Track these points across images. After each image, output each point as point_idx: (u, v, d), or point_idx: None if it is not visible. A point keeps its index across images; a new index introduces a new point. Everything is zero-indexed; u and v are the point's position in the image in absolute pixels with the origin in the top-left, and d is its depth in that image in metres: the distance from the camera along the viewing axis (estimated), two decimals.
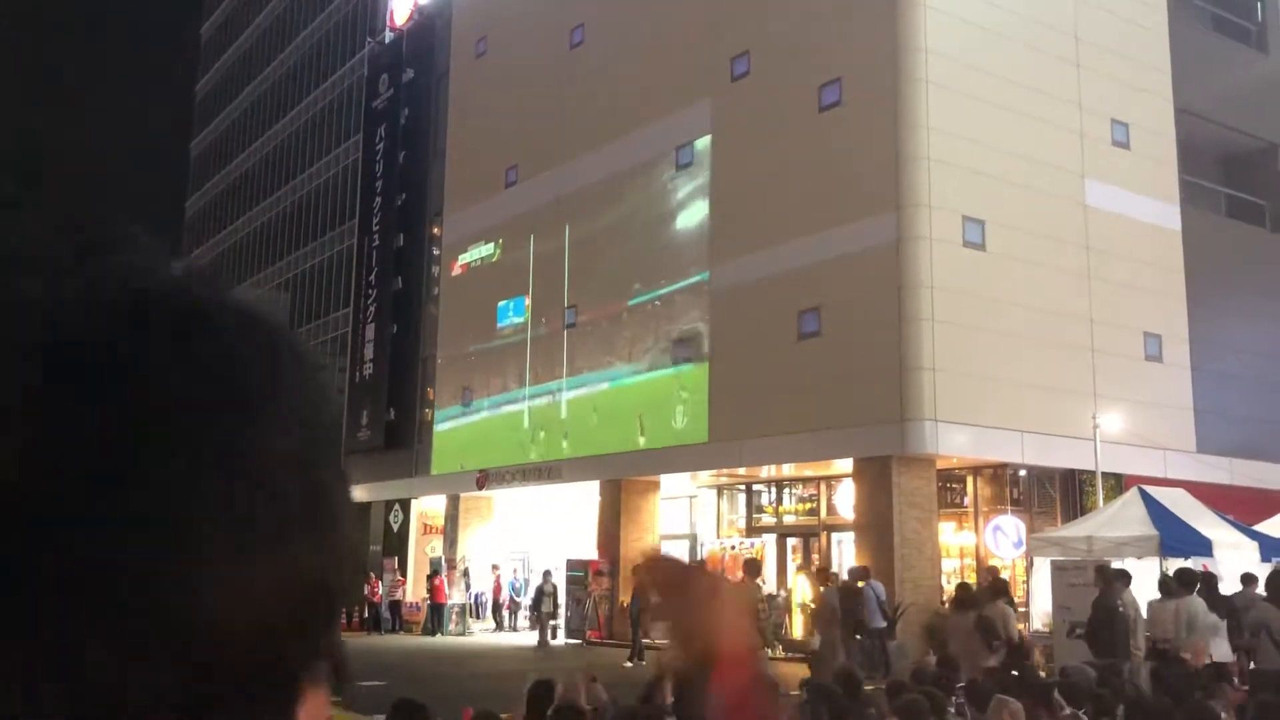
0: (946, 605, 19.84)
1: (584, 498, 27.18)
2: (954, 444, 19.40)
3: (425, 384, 34.24)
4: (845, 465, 21.38)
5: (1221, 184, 26.05)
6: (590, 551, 26.06)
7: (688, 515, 27.09)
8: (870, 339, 19.82)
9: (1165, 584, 12.36)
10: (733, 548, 25.01)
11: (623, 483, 25.53)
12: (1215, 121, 24.63)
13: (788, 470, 23.96)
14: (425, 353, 34.43)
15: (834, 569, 21.74)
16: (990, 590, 13.80)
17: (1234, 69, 25.55)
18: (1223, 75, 25.04)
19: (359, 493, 30.52)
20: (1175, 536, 14.85)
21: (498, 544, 30.63)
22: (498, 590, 29.36)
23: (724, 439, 22.63)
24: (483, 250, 31.97)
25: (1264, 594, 11.23)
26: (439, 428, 32.62)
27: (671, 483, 25.79)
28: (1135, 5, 23.52)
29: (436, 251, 34.59)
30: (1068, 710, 6.38)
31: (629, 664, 18.40)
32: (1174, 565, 14.19)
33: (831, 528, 23.33)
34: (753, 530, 25.38)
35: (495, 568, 29.48)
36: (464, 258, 32.72)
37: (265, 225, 52.33)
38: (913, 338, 19.46)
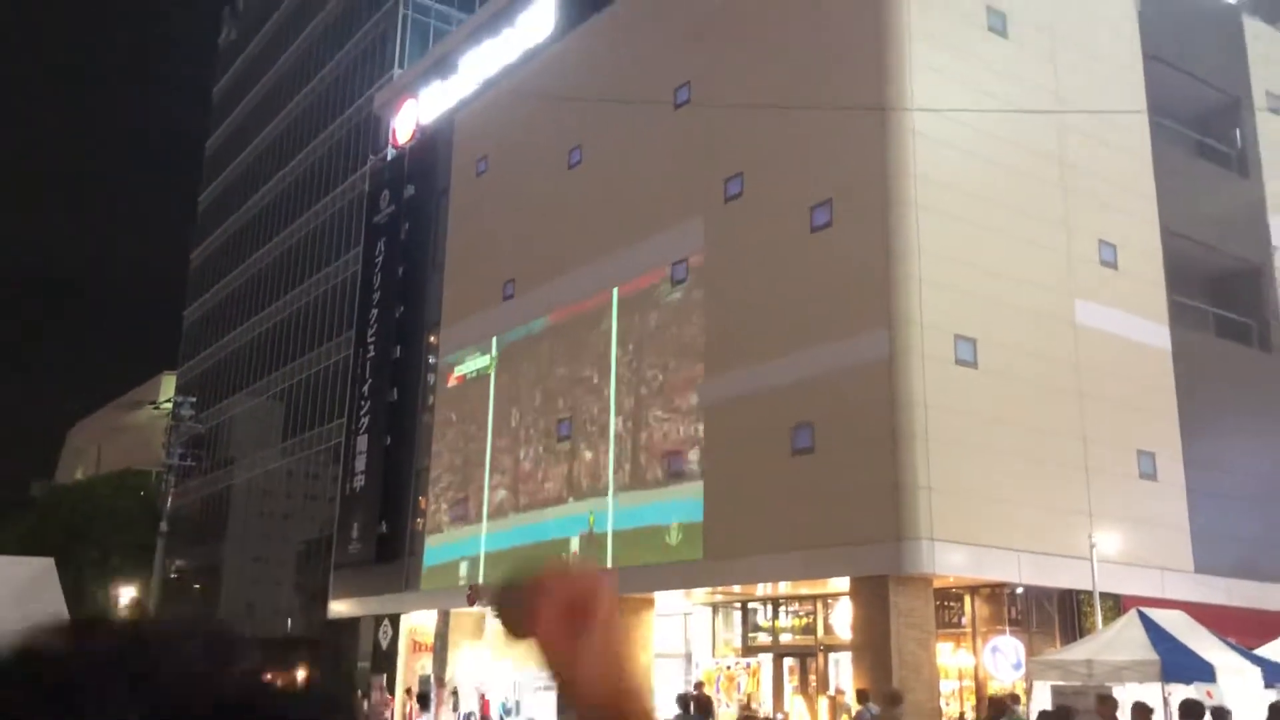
0: None
1: None
2: (950, 563, 19.26)
3: (418, 496, 34.04)
4: (842, 583, 21.18)
5: (1209, 304, 26.39)
6: None
7: (682, 633, 26.68)
8: (863, 456, 19.83)
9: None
10: (729, 667, 24.59)
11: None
12: (1201, 243, 25.08)
13: (784, 588, 23.70)
14: (419, 465, 34.31)
15: (833, 691, 21.38)
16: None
17: (1216, 192, 26.13)
18: (1206, 198, 25.60)
19: (348, 607, 30.13)
20: (1177, 661, 14.64)
21: (487, 664, 30.06)
22: (485, 709, 28.75)
23: (718, 556, 22.44)
24: (479, 362, 32.16)
25: None
26: (432, 542, 32.31)
27: (666, 600, 25.47)
28: (1119, 131, 24.15)
29: (433, 361, 34.77)
30: None
31: None
32: (1176, 690, 13.98)
33: (829, 647, 22.98)
34: (749, 649, 24.98)
35: (483, 693, 28.87)
36: (460, 369, 32.88)
37: (262, 336, 52.67)
38: (906, 455, 19.47)
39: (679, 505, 24.10)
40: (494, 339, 31.39)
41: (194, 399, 54.46)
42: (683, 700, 20.00)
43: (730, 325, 23.47)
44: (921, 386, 19.80)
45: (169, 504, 50.87)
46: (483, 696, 28.74)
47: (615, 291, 27.16)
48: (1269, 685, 14.39)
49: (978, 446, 19.76)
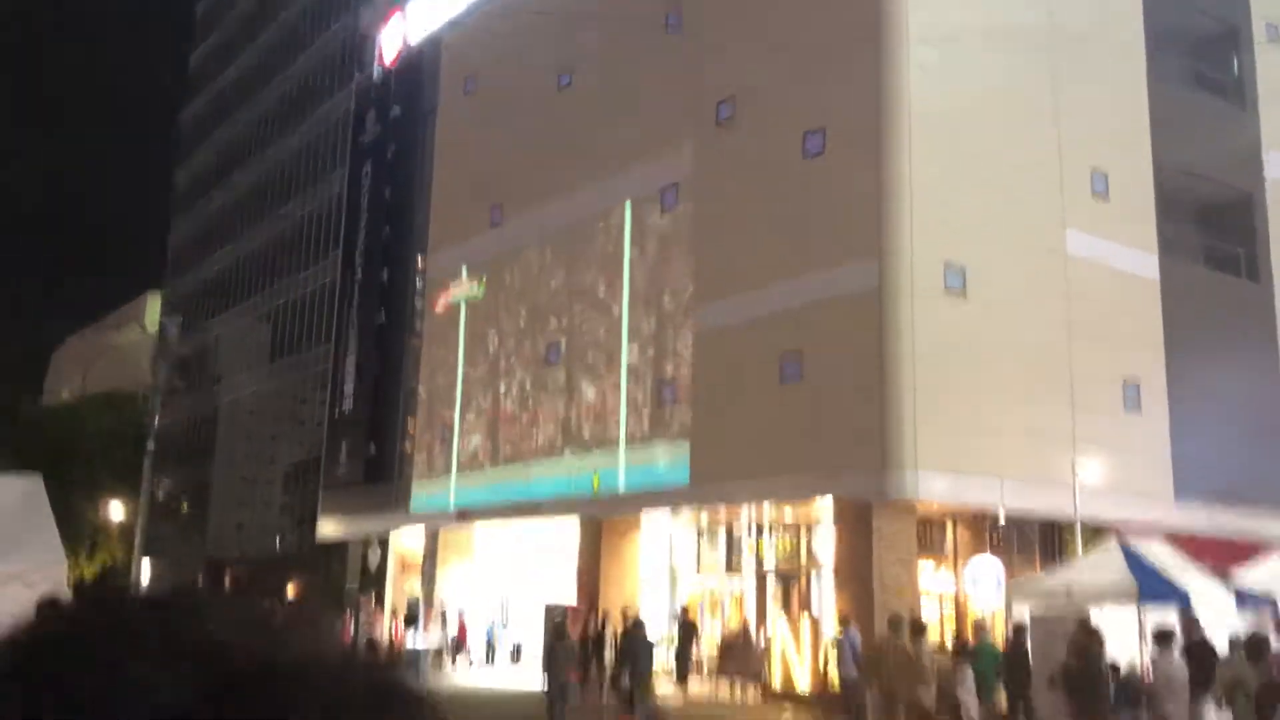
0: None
1: (564, 536, 27.09)
2: (934, 490, 19.47)
3: (406, 419, 34.14)
4: (826, 509, 21.41)
5: (1199, 234, 26.38)
6: (569, 591, 25.93)
7: (668, 555, 27.03)
8: (851, 384, 19.91)
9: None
10: (712, 589, 24.96)
11: (603, 522, 25.49)
12: (1193, 173, 24.98)
13: (769, 513, 23.97)
14: (407, 387, 34.36)
15: (816, 613, 21.75)
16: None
17: (1211, 122, 25.95)
18: (1200, 129, 25.43)
19: (337, 529, 30.34)
20: (1153, 586, 14.91)
21: (476, 583, 30.45)
22: (463, 634, 28.99)
23: (705, 479, 22.65)
24: (466, 287, 32.03)
25: (1243, 653, 11.28)
26: (419, 476, 32.48)
27: (652, 522, 25.75)
28: (1114, 61, 23.90)
29: (420, 285, 34.61)
30: None
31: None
32: (1152, 614, 14.26)
33: (812, 570, 23.30)
34: (732, 571, 25.34)
35: (461, 615, 29.14)
36: (448, 294, 32.75)
37: (248, 256, 52.30)
38: (893, 384, 19.57)
39: (668, 426, 24.26)
40: (481, 263, 31.23)
41: (180, 319, 54.27)
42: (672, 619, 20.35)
43: (720, 253, 23.38)
44: (910, 315, 19.82)
45: (156, 424, 51.00)
46: (460, 618, 29.07)
47: (605, 215, 26.99)
48: (1240, 609, 14.69)
49: (964, 375, 19.85)
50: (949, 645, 20.17)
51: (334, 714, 0.47)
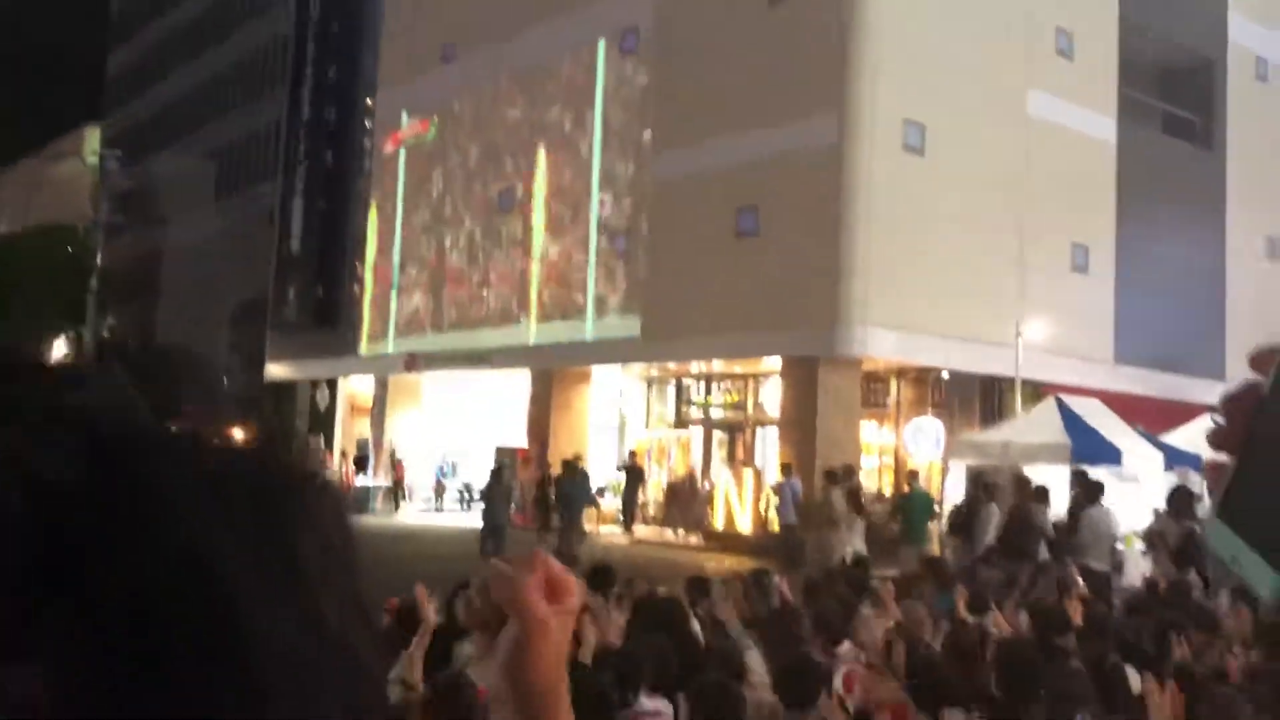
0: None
1: (514, 387, 27.24)
2: (881, 347, 19.72)
3: (354, 262, 33.73)
4: (774, 363, 21.66)
5: (1159, 98, 26.28)
6: (520, 438, 26.23)
7: (618, 407, 27.34)
8: (806, 240, 19.88)
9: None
10: (660, 439, 25.38)
11: (554, 373, 25.62)
12: (1158, 35, 24.71)
13: (718, 366, 24.22)
14: (355, 230, 33.84)
15: (760, 464, 22.24)
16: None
17: None
18: None
19: (285, 370, 30.43)
20: (1086, 445, 15.36)
21: (426, 429, 30.68)
22: (400, 472, 29.28)
23: (657, 333, 22.74)
24: (417, 128, 31.26)
25: (1166, 507, 11.74)
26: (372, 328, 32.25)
27: (603, 374, 25.93)
28: None
29: (369, 125, 33.74)
30: (972, 619, 6.66)
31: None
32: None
33: (758, 423, 23.73)
34: (681, 423, 25.73)
35: (399, 458, 29.31)
36: (397, 135, 31.98)
37: (193, 88, 50.47)
38: (848, 240, 19.57)
39: (621, 279, 24.20)
40: (432, 102, 30.41)
41: (120, 152, 52.60)
42: (620, 468, 20.74)
43: (679, 102, 22.93)
44: (868, 172, 19.70)
45: (99, 261, 49.86)
46: (398, 461, 29.22)
47: (561, 57, 26.26)
48: (1169, 468, 15.21)
49: (918, 233, 19.89)
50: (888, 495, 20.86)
51: (221, 486, 0.44)
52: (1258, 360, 0.64)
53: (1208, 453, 0.66)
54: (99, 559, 0.38)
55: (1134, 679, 5.30)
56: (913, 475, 18.76)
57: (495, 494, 17.70)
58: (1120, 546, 13.84)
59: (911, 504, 16.43)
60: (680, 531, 22.37)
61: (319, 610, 0.44)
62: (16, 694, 0.36)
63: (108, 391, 0.43)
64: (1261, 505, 0.62)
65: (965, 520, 12.90)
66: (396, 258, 31.38)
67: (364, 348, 32.31)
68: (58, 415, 0.41)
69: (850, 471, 16.92)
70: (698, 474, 23.90)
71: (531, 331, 26.26)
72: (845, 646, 5.80)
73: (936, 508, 17.02)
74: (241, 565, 0.41)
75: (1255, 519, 0.63)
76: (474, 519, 20.93)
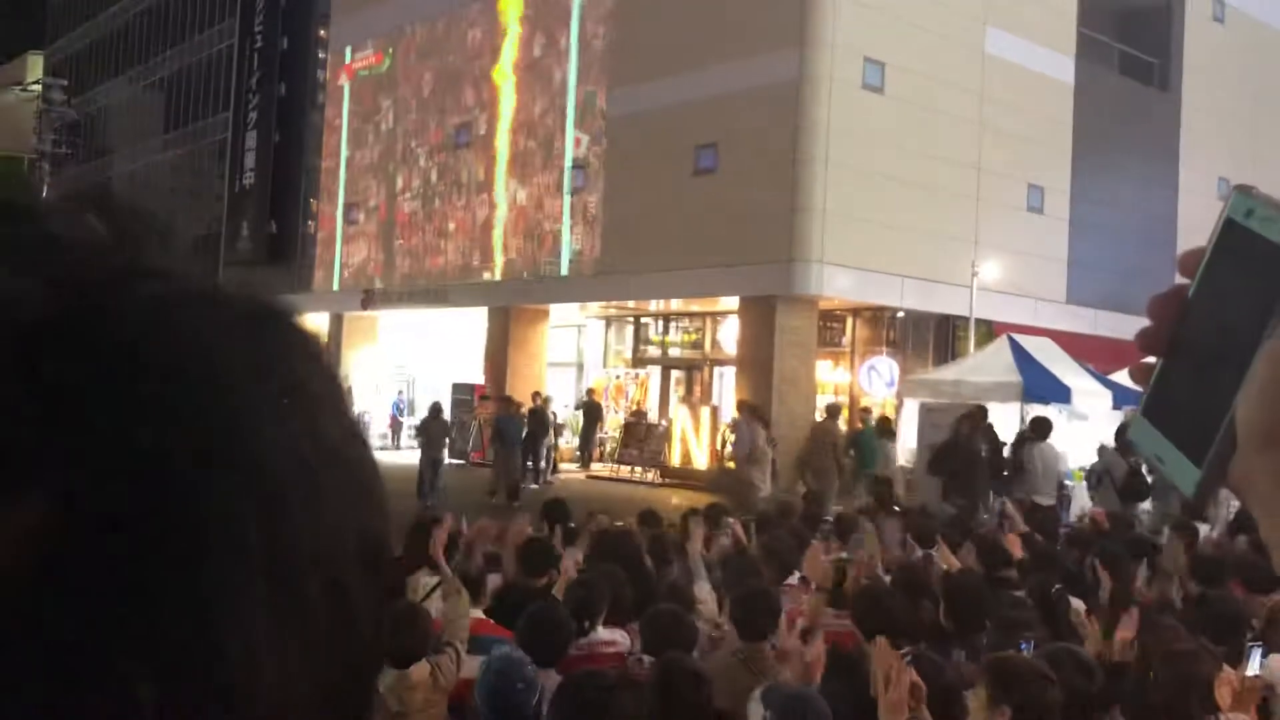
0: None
1: (471, 324, 27.11)
2: (837, 286, 19.81)
3: (309, 197, 33.24)
4: (731, 302, 21.70)
5: (1116, 39, 26.34)
6: (477, 376, 26.17)
7: (575, 345, 27.32)
8: (764, 178, 19.83)
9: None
10: (618, 377, 25.42)
11: (511, 310, 25.51)
12: None
13: (675, 304, 24.23)
14: (309, 164, 33.29)
15: (716, 402, 22.37)
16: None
17: None
18: None
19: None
20: (1037, 383, 15.59)
21: (382, 366, 30.50)
22: None
23: (614, 270, 22.67)
24: (371, 59, 30.67)
25: (1112, 444, 11.98)
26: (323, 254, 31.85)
27: (560, 312, 25.87)
28: None
29: (323, 55, 33.06)
30: (920, 552, 6.80)
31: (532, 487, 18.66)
32: (1034, 409, 14.97)
33: (715, 362, 23.83)
34: (639, 361, 25.77)
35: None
36: (350, 66, 31.36)
37: (138, 16, 49.10)
38: (805, 178, 19.55)
39: (576, 215, 24.05)
40: (386, 32, 29.82)
41: (65, 82, 51.19)
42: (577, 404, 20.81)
43: (638, 35, 22.64)
44: (827, 110, 19.64)
45: (44, 194, 48.64)
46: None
47: None
48: (1117, 407, 15.49)
49: (875, 173, 19.91)
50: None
51: (212, 308, 0.42)
52: (1184, 263, 0.65)
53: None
54: (94, 382, 0.36)
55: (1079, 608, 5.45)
56: (865, 412, 19.03)
57: (432, 431, 17.86)
58: (1069, 482, 14.13)
59: (864, 440, 16.67)
60: (637, 469, 22.52)
61: (322, 427, 0.43)
62: (19, 527, 0.34)
63: (76, 226, 0.41)
64: (1183, 403, 0.63)
65: (1013, 458, 12.75)
66: (342, 194, 30.94)
67: (318, 284, 31.96)
68: (25, 245, 0.39)
69: (754, 407, 17.06)
70: (654, 411, 24.00)
71: (494, 270, 26.09)
72: (794, 578, 5.90)
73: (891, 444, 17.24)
74: (243, 379, 0.40)
75: (1178, 417, 0.64)
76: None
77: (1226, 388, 0.58)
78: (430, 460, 17.45)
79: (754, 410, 16.33)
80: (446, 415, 20.10)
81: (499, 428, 18.90)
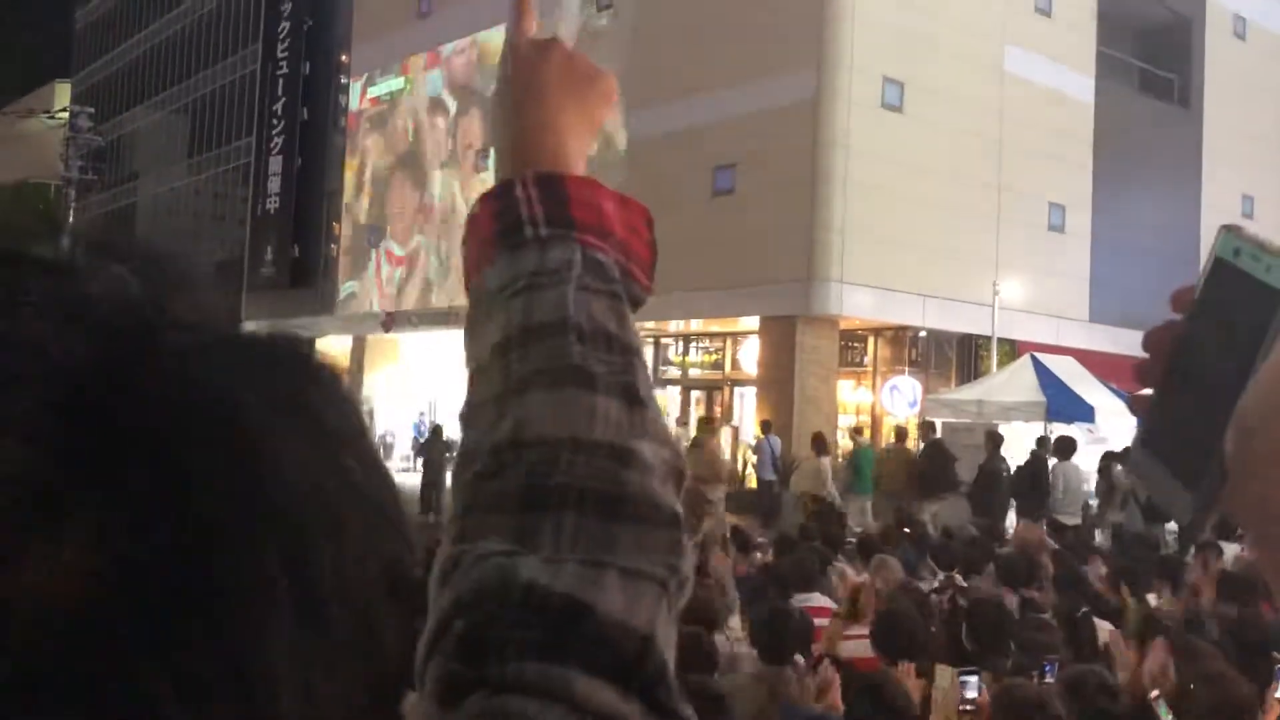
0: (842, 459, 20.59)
1: None
2: (858, 305, 19.77)
3: (331, 220, 33.48)
4: (751, 322, 21.69)
5: (1136, 57, 26.27)
6: None
7: None
8: (783, 198, 19.85)
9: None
10: None
11: None
12: None
13: (695, 325, 24.22)
14: (332, 187, 33.55)
15: (736, 422, 22.32)
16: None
17: None
18: None
19: (259, 330, 30.58)
20: (1061, 402, 15.49)
21: (404, 388, 30.62)
22: None
23: None
24: (393, 84, 30.93)
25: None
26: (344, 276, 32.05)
27: None
28: None
29: (345, 80, 33.35)
30: (941, 575, 6.74)
31: None
32: (1058, 429, 14.89)
33: (735, 382, 23.79)
34: (658, 382, 25.74)
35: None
36: (372, 91, 31.63)
37: (163, 44, 49.72)
38: (824, 198, 19.55)
39: None
40: (407, 56, 30.07)
41: (91, 109, 51.80)
42: None
43: (657, 56, 22.74)
44: (845, 129, 19.65)
45: (70, 219, 49.13)
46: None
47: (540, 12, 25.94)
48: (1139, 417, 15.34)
49: (895, 191, 19.88)
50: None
51: (237, 352, 0.45)
52: (1177, 299, 0.68)
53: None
54: (129, 429, 0.39)
55: (1104, 630, 5.39)
56: (857, 431, 19.05)
57: (433, 451, 18.38)
58: (1093, 501, 14.02)
59: (860, 458, 16.66)
60: None
61: (344, 464, 0.45)
62: (55, 570, 0.36)
63: (107, 281, 0.44)
64: (1178, 434, 0.65)
65: (1027, 480, 13.01)
66: (364, 217, 31.13)
67: (340, 307, 32.14)
68: (64, 300, 0.41)
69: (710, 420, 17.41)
70: (674, 431, 23.97)
71: None
72: (816, 599, 5.86)
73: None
74: (262, 421, 0.42)
75: (1173, 447, 0.66)
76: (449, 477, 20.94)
77: (1218, 419, 0.60)
78: (429, 481, 17.95)
79: (708, 423, 16.54)
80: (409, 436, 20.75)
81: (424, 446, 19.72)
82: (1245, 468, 0.57)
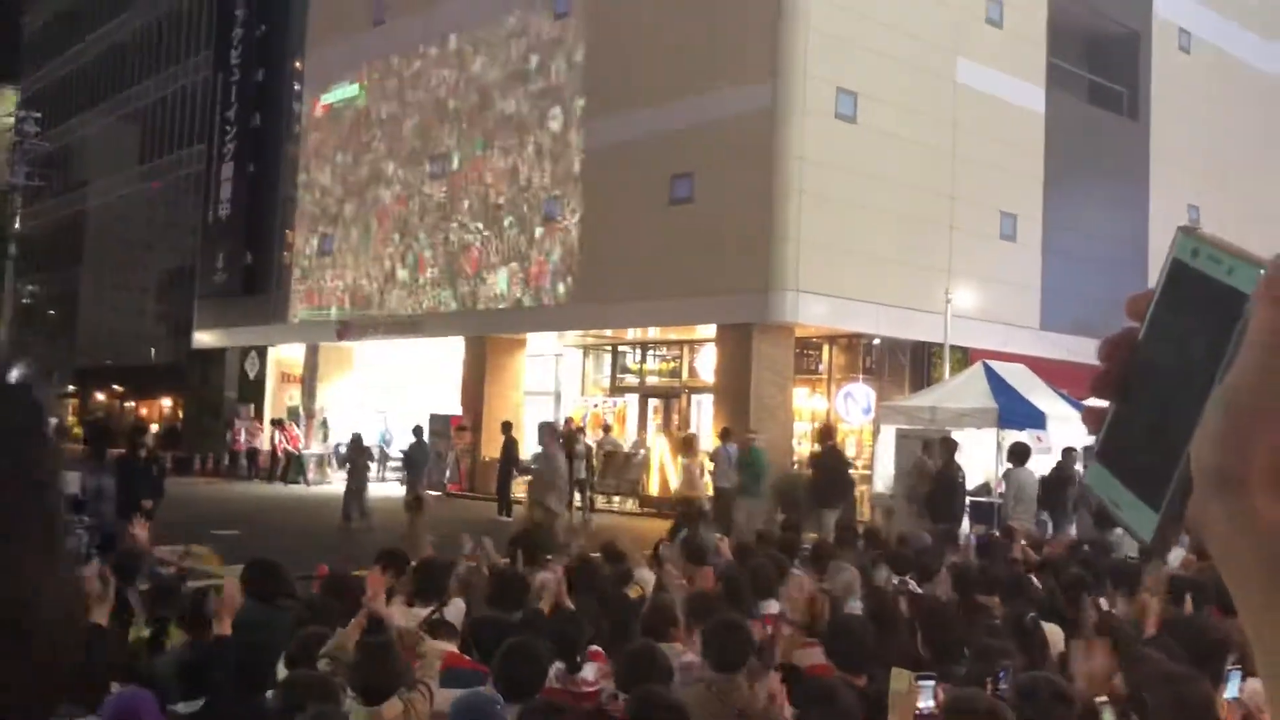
0: (798, 466, 20.69)
1: (447, 353, 27.05)
2: (813, 314, 19.89)
3: (285, 229, 33.14)
4: (708, 330, 21.75)
5: (1086, 69, 26.69)
6: (454, 406, 26.08)
7: (553, 374, 27.28)
8: (740, 207, 19.95)
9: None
10: (595, 406, 25.38)
11: (488, 339, 25.47)
12: (1084, 5, 25.06)
13: (653, 333, 24.26)
14: (285, 195, 33.22)
15: (694, 429, 22.33)
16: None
17: None
18: None
19: (214, 338, 29.94)
20: (1012, 409, 15.66)
21: (359, 396, 30.36)
22: (294, 443, 28.56)
23: (591, 300, 22.70)
24: (347, 91, 30.71)
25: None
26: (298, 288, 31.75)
27: (537, 341, 25.85)
28: None
29: (298, 88, 33.06)
30: (896, 579, 6.78)
31: (504, 518, 18.71)
32: (1010, 435, 15.05)
33: (692, 390, 23.85)
34: (616, 390, 25.76)
35: (286, 424, 28.83)
36: (326, 98, 31.39)
37: (114, 48, 49.04)
38: (780, 207, 19.67)
39: (555, 246, 24.08)
40: (362, 64, 29.88)
41: (39, 114, 50.96)
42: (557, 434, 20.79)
43: (614, 66, 22.79)
44: (801, 139, 19.79)
45: (17, 225, 48.29)
46: (289, 430, 28.52)
47: (492, 23, 25.91)
48: (1093, 433, 15.54)
49: (849, 201, 20.05)
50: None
51: None
52: (1132, 306, 0.65)
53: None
54: None
55: (1055, 634, 5.45)
56: (751, 435, 19.18)
57: (358, 462, 18.81)
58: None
59: (751, 461, 16.84)
60: (615, 497, 22.45)
61: None
62: None
63: None
64: (1137, 448, 0.63)
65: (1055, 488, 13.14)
66: (318, 226, 30.87)
67: (294, 315, 31.82)
68: None
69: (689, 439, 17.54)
70: (632, 440, 23.96)
71: (465, 299, 26.05)
72: (774, 607, 5.87)
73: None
74: None
75: (1132, 461, 0.63)
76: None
77: (1180, 431, 0.58)
78: (353, 489, 18.37)
79: (553, 429, 16.43)
80: (373, 445, 21.11)
81: (408, 454, 19.84)
82: (1220, 478, 0.55)
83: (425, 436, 20.20)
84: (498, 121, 25.68)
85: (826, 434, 15.32)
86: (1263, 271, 0.57)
